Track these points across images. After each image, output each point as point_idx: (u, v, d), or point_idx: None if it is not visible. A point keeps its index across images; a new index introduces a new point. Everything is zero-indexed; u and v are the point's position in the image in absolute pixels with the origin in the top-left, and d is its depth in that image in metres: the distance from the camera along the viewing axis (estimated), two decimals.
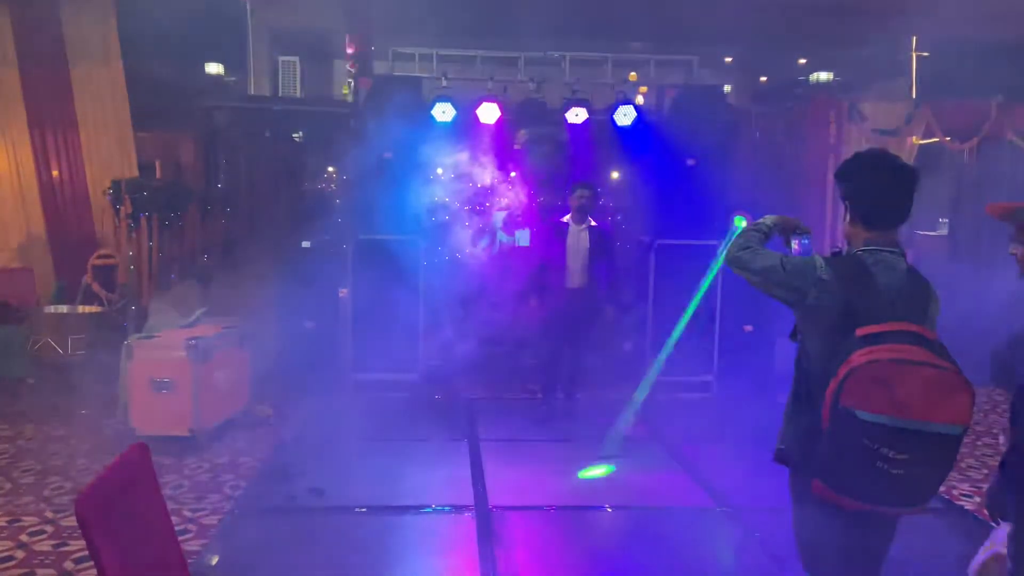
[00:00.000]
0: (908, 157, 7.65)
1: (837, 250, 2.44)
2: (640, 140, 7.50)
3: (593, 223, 6.22)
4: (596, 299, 6.21)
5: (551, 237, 6.26)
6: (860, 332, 2.16)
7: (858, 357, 2.12)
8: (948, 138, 7.64)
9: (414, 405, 6.75)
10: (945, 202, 10.00)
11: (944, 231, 10.10)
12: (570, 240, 6.14)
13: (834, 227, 7.45)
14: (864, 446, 2.11)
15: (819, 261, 2.35)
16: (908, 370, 2.09)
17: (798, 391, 2.43)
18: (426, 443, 5.82)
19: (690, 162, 7.29)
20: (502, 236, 7.78)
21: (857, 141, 7.51)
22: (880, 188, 2.33)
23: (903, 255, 2.35)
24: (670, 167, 7.36)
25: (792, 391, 2.46)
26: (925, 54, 11.70)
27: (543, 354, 6.56)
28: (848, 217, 2.40)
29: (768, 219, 2.57)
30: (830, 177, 7.53)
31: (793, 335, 2.46)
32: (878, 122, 7.51)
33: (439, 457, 5.54)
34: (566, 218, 6.24)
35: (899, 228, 2.35)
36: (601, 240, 6.19)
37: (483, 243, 7.81)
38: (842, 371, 2.12)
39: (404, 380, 7.08)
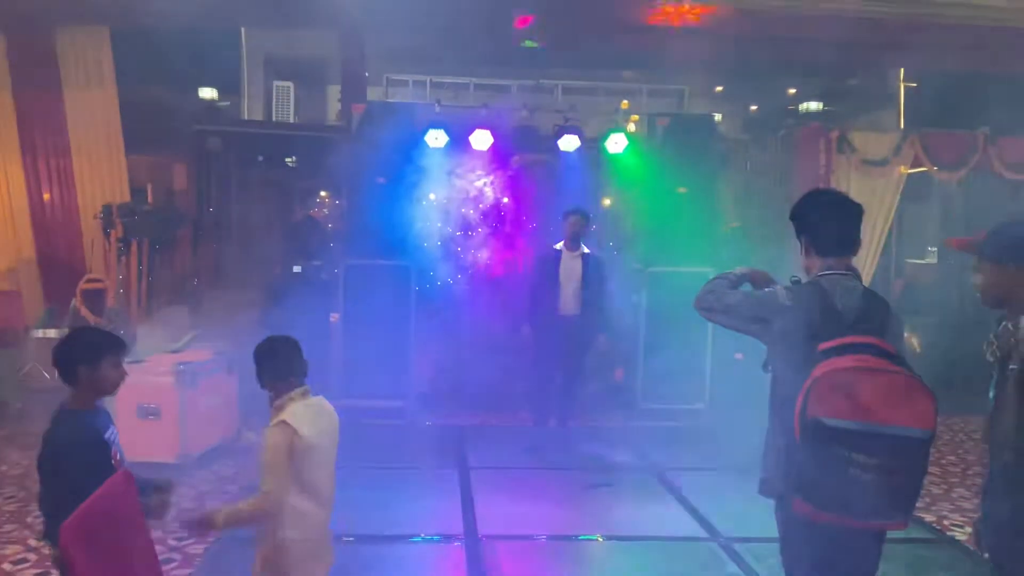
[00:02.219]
0: (896, 187, 7.74)
1: (796, 279, 2.59)
2: (632, 168, 7.54)
3: (587, 250, 6.17)
4: (589, 327, 6.14)
5: (544, 264, 6.21)
6: (821, 347, 2.33)
7: (820, 369, 2.27)
8: (936, 168, 7.73)
9: (404, 432, 6.70)
10: (934, 231, 10.11)
11: (933, 259, 10.19)
12: (563, 267, 6.10)
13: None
14: (835, 453, 2.22)
15: (780, 291, 2.55)
16: (865, 376, 2.23)
17: (773, 417, 2.55)
18: (415, 471, 5.78)
19: (681, 190, 7.32)
20: (498, 258, 7.77)
21: (846, 171, 7.59)
22: (831, 221, 2.56)
23: (858, 277, 2.55)
24: (661, 195, 7.39)
25: (769, 418, 2.57)
26: (913, 84, 11.89)
27: (535, 382, 6.48)
28: (805, 250, 2.62)
29: (738, 269, 2.72)
30: None
31: (765, 366, 2.60)
32: (867, 152, 7.59)
33: (428, 485, 5.49)
34: (559, 245, 6.20)
35: (851, 254, 2.56)
36: (594, 267, 6.14)
37: (479, 264, 7.80)
38: (806, 384, 2.27)
39: (394, 407, 7.02)
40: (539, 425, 6.40)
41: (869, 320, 2.43)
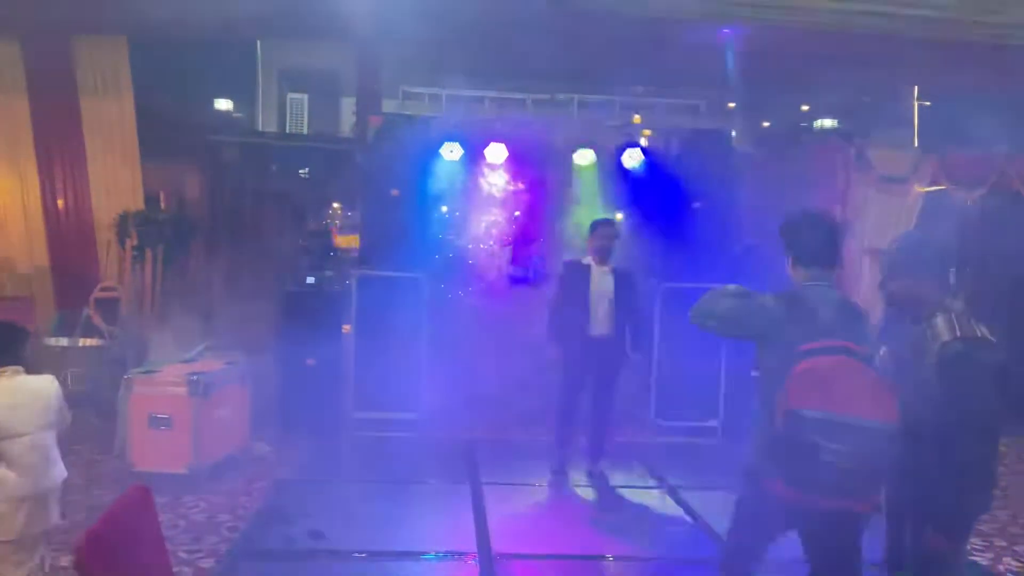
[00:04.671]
0: (912, 206, 7.67)
1: (784, 290, 2.92)
2: (646, 182, 7.51)
3: (617, 265, 5.74)
4: (622, 348, 5.65)
5: (570, 279, 5.73)
6: (802, 348, 2.66)
7: (800, 367, 2.62)
8: (954, 187, 7.66)
9: (416, 445, 6.65)
10: (951, 251, 10.00)
11: (950, 279, 10.08)
12: (593, 283, 5.61)
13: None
14: (811, 441, 2.56)
15: (768, 299, 2.86)
16: (839, 374, 2.59)
17: (760, 411, 2.84)
18: (428, 485, 5.72)
19: (696, 205, 7.29)
20: (515, 272, 7.69)
21: (864, 188, 7.52)
22: (814, 237, 2.90)
23: (835, 287, 2.91)
24: (676, 209, 7.35)
25: (757, 414, 2.88)
26: (927, 103, 11.84)
27: (562, 409, 5.93)
28: (791, 263, 2.95)
29: (731, 288, 2.95)
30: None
31: (755, 366, 2.92)
32: (885, 169, 7.52)
33: (441, 500, 5.44)
34: (587, 259, 5.75)
35: (831, 267, 2.90)
36: (627, 283, 5.66)
37: (492, 279, 7.75)
38: (788, 380, 2.61)
39: (406, 419, 6.98)
40: (562, 451, 5.95)
41: (846, 325, 2.75)
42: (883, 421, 2.55)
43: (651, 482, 6.06)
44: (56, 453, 3.61)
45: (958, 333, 2.59)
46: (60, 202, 8.27)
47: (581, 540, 4.89)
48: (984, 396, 2.55)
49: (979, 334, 2.59)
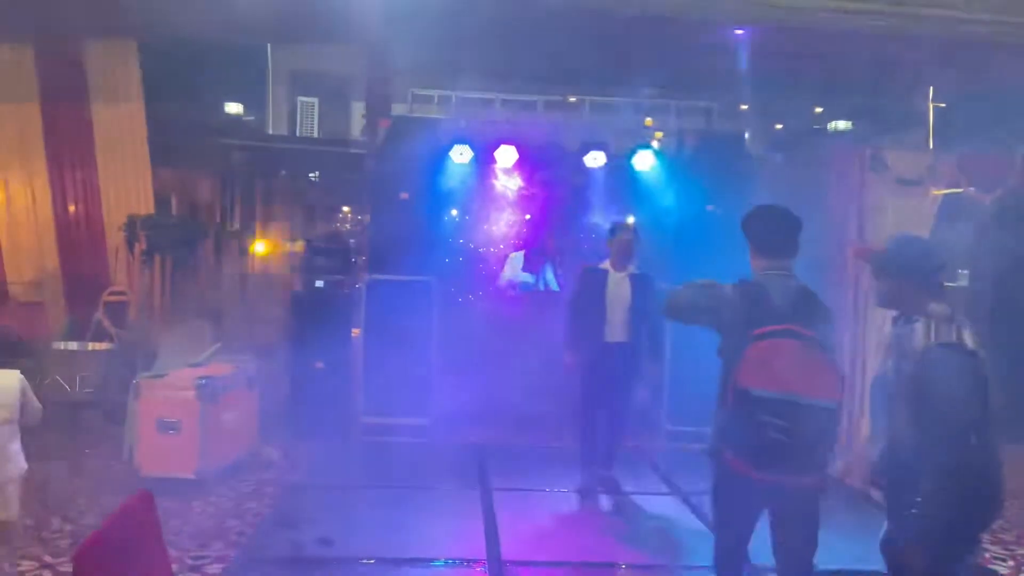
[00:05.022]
0: (929, 208, 7.53)
1: (744, 279, 3.09)
2: (658, 185, 7.43)
3: (635, 270, 5.53)
4: (639, 357, 5.46)
5: (587, 284, 5.53)
6: (755, 332, 2.84)
7: (751, 349, 2.83)
8: (972, 189, 7.53)
9: (426, 450, 6.59)
10: (966, 254, 9.86)
11: (964, 282, 9.94)
12: (610, 289, 5.41)
13: (857, 276, 7.30)
14: (759, 418, 2.76)
15: (728, 288, 3.05)
16: (785, 356, 2.80)
17: (720, 394, 3.03)
18: (437, 491, 5.65)
19: (710, 208, 7.20)
20: (526, 277, 7.59)
21: (879, 190, 7.39)
22: (770, 229, 3.09)
23: (793, 276, 3.06)
24: (690, 213, 7.26)
25: (718, 395, 3.05)
26: (942, 105, 11.70)
27: (580, 421, 5.77)
28: (752, 253, 3.11)
29: (699, 280, 3.15)
30: (851, 226, 7.42)
31: (718, 352, 3.07)
32: (901, 171, 7.38)
33: (450, 506, 5.36)
34: (604, 264, 5.55)
35: (788, 257, 3.07)
36: (645, 289, 5.43)
37: (503, 283, 7.67)
38: (739, 362, 2.83)
39: (416, 424, 6.92)
40: (589, 470, 5.71)
41: (798, 311, 2.92)
42: (824, 399, 2.77)
43: (664, 488, 5.97)
44: (15, 447, 3.66)
45: (933, 338, 2.56)
46: (71, 207, 8.28)
47: (592, 547, 4.80)
48: (958, 403, 2.46)
49: (959, 340, 2.53)
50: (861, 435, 6.67)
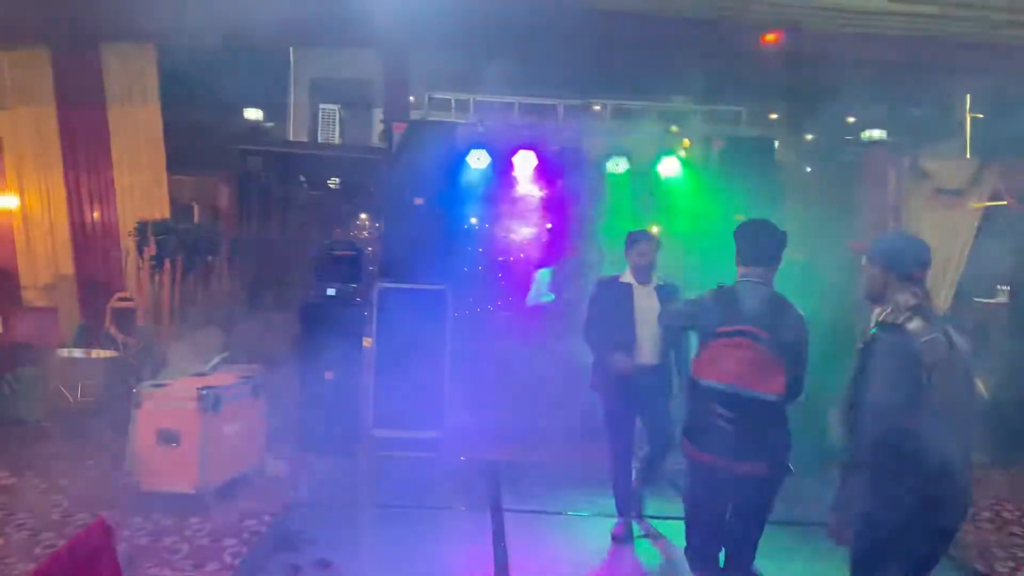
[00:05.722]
0: (972, 220, 7.16)
1: (722, 284, 3.41)
2: (685, 193, 7.14)
3: (660, 281, 4.94)
4: (670, 377, 4.87)
5: (610, 300, 4.86)
6: (718, 330, 3.18)
7: (707, 345, 3.21)
8: (1017, 201, 7.16)
9: (436, 467, 6.33)
10: (1006, 268, 9.41)
11: (1003, 299, 9.49)
12: (638, 304, 4.81)
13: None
14: (707, 407, 3.11)
15: (706, 294, 3.42)
16: (734, 351, 3.10)
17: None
18: (446, 511, 5.38)
19: (739, 218, 6.87)
20: (549, 297, 7.29)
21: (917, 201, 7.05)
22: (748, 241, 3.41)
23: (767, 285, 3.34)
24: (717, 222, 6.95)
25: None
26: (979, 115, 11.30)
27: (616, 469, 5.03)
28: (736, 261, 3.43)
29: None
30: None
31: (696, 353, 3.39)
32: (942, 181, 7.04)
33: (459, 529, 5.10)
34: (626, 277, 4.92)
35: (763, 266, 3.35)
36: (672, 302, 4.73)
37: (530, 300, 7.39)
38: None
39: (426, 438, 6.66)
40: (627, 515, 5.06)
41: (763, 315, 3.17)
42: (765, 392, 3.05)
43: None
44: None
45: (879, 320, 2.71)
46: (86, 211, 8.20)
47: (607, 574, 4.52)
48: (884, 382, 2.58)
49: (902, 324, 2.61)
50: None
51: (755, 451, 3.07)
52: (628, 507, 5.05)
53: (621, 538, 4.98)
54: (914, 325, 2.60)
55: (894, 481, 2.55)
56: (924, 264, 2.82)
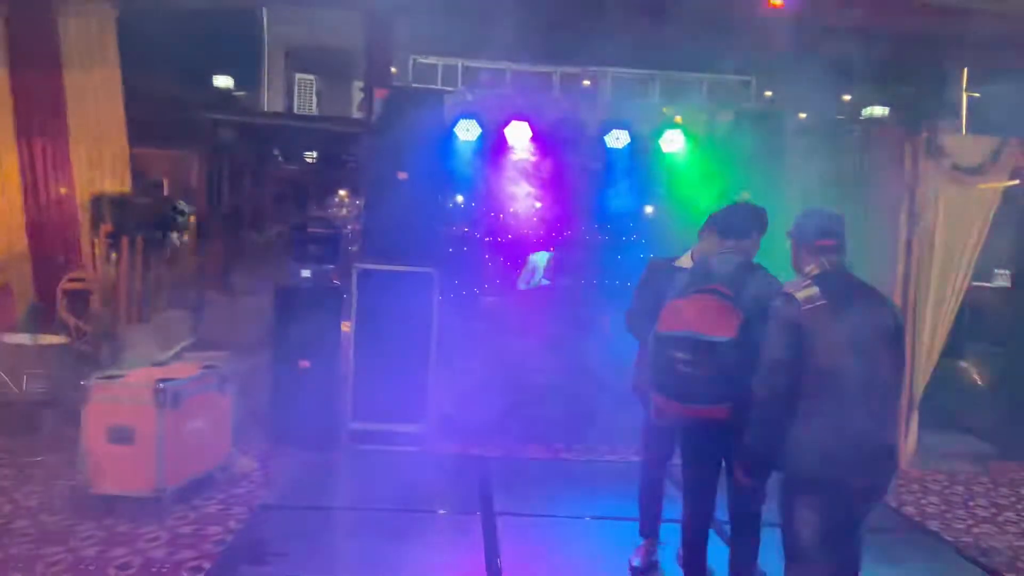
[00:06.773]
0: (992, 200, 6.74)
1: (701, 259, 3.68)
2: (689, 168, 6.67)
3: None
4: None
5: (660, 288, 3.73)
6: (688, 293, 3.37)
7: (675, 300, 3.38)
8: None
9: (420, 463, 5.85)
10: (1007, 252, 9.06)
11: (1002, 282, 9.16)
12: None
13: (906, 269, 6.56)
14: (667, 355, 3.24)
15: (684, 271, 3.68)
16: (691, 303, 3.28)
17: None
18: (431, 515, 4.91)
19: (744, 194, 6.41)
20: (544, 282, 6.82)
21: (934, 179, 6.60)
22: (722, 217, 3.71)
23: (741, 254, 3.49)
24: (722, 198, 6.49)
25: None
26: (976, 95, 10.97)
27: (642, 483, 4.34)
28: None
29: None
30: (903, 217, 6.65)
31: None
32: (961, 159, 6.59)
33: (446, 534, 4.64)
34: (682, 260, 4.09)
35: (735, 239, 3.54)
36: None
37: (522, 283, 6.92)
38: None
39: (410, 431, 6.18)
40: (650, 547, 4.32)
41: (731, 279, 3.32)
42: (718, 336, 3.13)
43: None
44: None
45: (773, 288, 3.09)
46: (41, 184, 7.59)
47: None
48: (769, 343, 2.86)
49: (791, 291, 2.86)
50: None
51: (716, 394, 3.15)
52: (652, 530, 4.33)
53: (642, 569, 4.23)
54: (803, 294, 2.83)
55: (790, 436, 2.81)
56: (827, 234, 2.96)
